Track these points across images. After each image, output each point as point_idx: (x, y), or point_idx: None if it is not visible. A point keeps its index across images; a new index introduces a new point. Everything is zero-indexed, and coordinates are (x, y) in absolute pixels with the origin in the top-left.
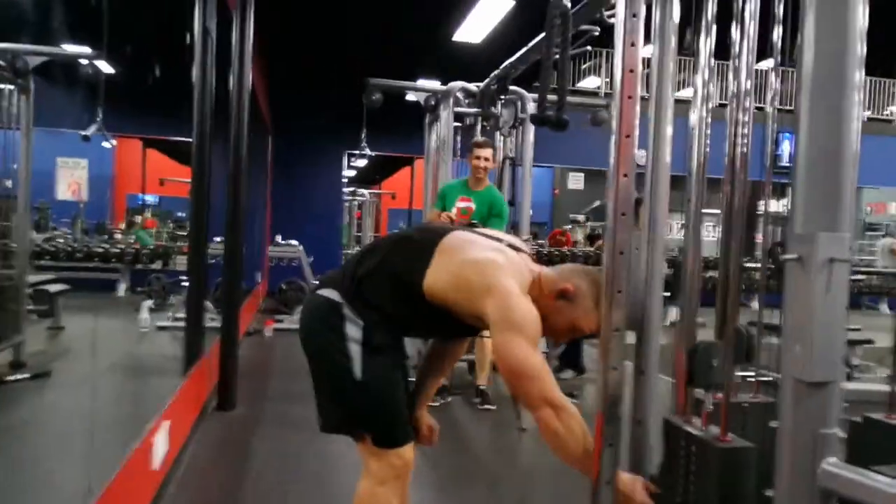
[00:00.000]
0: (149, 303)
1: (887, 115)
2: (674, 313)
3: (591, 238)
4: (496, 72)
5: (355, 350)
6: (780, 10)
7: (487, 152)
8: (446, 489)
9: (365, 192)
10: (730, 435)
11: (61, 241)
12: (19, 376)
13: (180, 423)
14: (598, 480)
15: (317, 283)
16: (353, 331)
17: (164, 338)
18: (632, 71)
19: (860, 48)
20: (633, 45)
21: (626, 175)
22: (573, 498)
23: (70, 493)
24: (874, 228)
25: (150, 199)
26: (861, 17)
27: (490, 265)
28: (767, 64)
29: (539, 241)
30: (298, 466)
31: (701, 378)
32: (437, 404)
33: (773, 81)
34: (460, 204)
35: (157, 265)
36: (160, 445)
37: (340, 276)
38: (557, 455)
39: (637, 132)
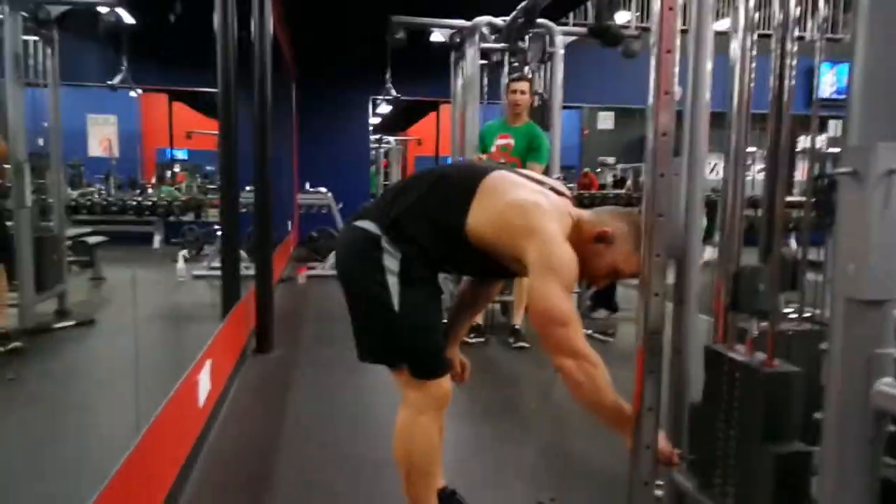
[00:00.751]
0: (184, 253)
1: None
2: (708, 252)
3: (619, 182)
4: (523, 3)
5: (393, 282)
6: None
7: (524, 86)
8: (481, 422)
9: (391, 138)
10: (776, 360)
11: (96, 196)
12: (65, 324)
13: (222, 363)
14: (640, 408)
15: (353, 216)
16: (391, 262)
17: (200, 286)
18: None
19: None
20: None
21: (667, 93)
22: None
23: (119, 430)
24: None
25: (178, 153)
26: None
27: (534, 208)
28: None
29: (568, 185)
30: (335, 405)
31: (746, 302)
32: (472, 341)
33: (821, 5)
34: (499, 141)
35: (190, 217)
36: (204, 383)
37: (376, 209)
38: (580, 404)
39: (678, 43)
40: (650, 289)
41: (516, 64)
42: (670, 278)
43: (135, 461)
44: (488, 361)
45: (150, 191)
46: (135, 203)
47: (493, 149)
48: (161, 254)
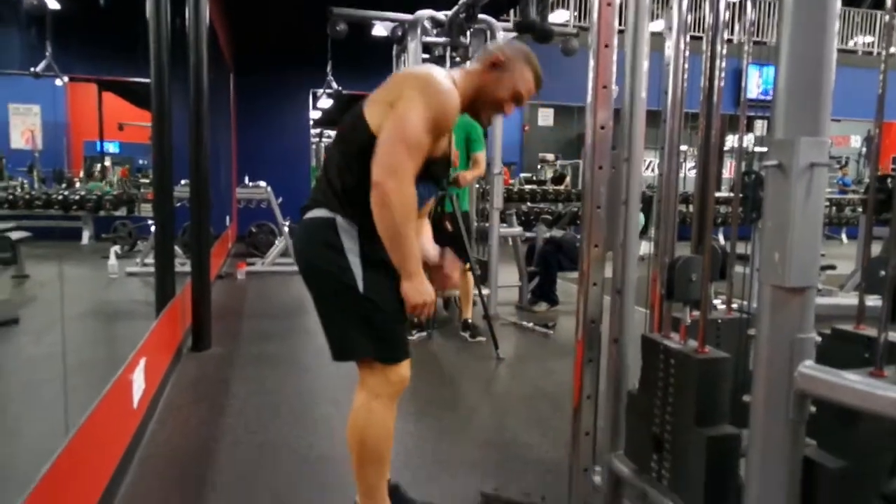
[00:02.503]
0: (116, 249)
1: (851, 45)
2: (644, 247)
3: (557, 179)
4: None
5: (355, 262)
6: None
7: None
8: (423, 418)
9: (332, 133)
10: (707, 347)
11: (18, 190)
12: None
13: (156, 362)
14: (580, 396)
15: (301, 211)
16: (350, 242)
17: (134, 283)
18: None
19: None
20: None
21: (605, 87)
22: (552, 420)
23: (47, 433)
24: (835, 160)
25: (109, 146)
26: None
27: (414, 70)
28: None
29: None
30: (276, 401)
31: (680, 291)
32: (414, 337)
33: (749, 10)
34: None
35: (122, 212)
36: (138, 383)
37: (320, 195)
38: (382, 227)
39: (616, 41)
40: (588, 279)
41: (458, 59)
42: (608, 271)
43: (63, 465)
44: (431, 357)
45: (77, 184)
46: (61, 197)
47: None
48: (90, 250)
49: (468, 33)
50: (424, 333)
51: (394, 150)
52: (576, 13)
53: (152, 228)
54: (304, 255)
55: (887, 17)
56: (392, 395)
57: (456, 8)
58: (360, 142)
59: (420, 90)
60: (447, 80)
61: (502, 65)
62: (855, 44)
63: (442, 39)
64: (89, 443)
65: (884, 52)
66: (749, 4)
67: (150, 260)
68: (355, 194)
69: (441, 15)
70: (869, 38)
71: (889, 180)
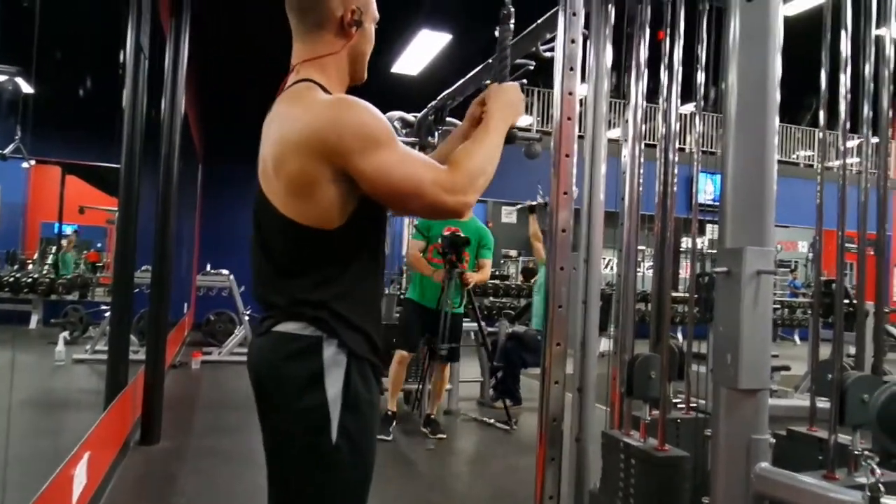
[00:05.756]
0: (65, 334)
1: (794, 158)
2: (603, 344)
3: (527, 272)
4: (433, 103)
5: (334, 411)
6: (703, 57)
7: None
8: None
9: None
10: (667, 445)
11: None
12: None
13: (101, 456)
14: (542, 496)
15: (262, 319)
16: (334, 378)
17: (81, 371)
18: (571, 94)
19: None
20: (571, 69)
21: (566, 193)
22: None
23: None
24: (785, 265)
25: (67, 228)
26: (778, 61)
27: (283, 121)
28: (689, 108)
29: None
30: (227, 500)
31: (640, 388)
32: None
33: (698, 124)
34: (447, 233)
35: (75, 296)
36: (79, 478)
37: (284, 299)
38: (483, 167)
39: (575, 154)
40: (550, 377)
41: None
42: (570, 368)
43: None
44: (391, 454)
45: (30, 266)
46: (11, 279)
47: (440, 240)
48: (38, 335)
49: (436, 134)
50: (387, 437)
51: (422, 201)
52: (538, 118)
53: (106, 314)
54: (272, 405)
55: (821, 134)
56: None
57: (425, 111)
58: (280, 231)
59: (363, 143)
60: (331, 84)
61: (357, 13)
62: (797, 157)
63: (411, 139)
64: None
65: (819, 166)
66: (698, 118)
67: (101, 347)
68: (332, 297)
69: (410, 116)
70: (809, 152)
71: (833, 285)
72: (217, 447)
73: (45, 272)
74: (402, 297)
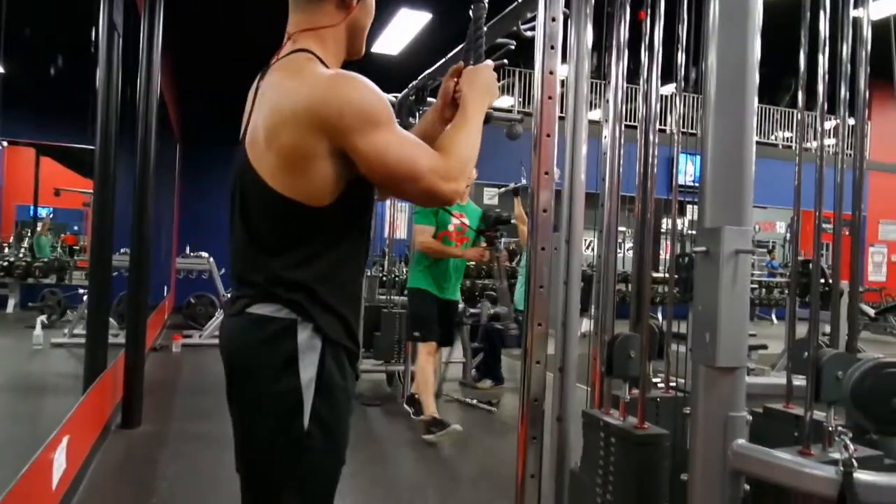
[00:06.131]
0: (43, 318)
1: (773, 139)
2: (585, 324)
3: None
4: (414, 83)
5: (308, 396)
6: (683, 38)
7: None
8: (369, 499)
9: None
10: (646, 423)
11: None
12: None
13: (81, 440)
14: (523, 475)
15: (234, 298)
16: (309, 362)
17: (59, 355)
18: (552, 73)
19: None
20: (552, 47)
21: (547, 173)
22: (496, 501)
23: None
24: (763, 245)
25: (42, 211)
26: (757, 43)
27: (322, 97)
28: (669, 89)
29: None
30: (209, 484)
31: (620, 368)
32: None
33: (678, 105)
34: (455, 220)
35: (52, 279)
36: (59, 463)
37: (259, 277)
38: (468, 154)
39: (556, 133)
40: (532, 357)
41: None
42: (551, 348)
43: None
44: (373, 435)
45: (6, 250)
46: None
47: (450, 227)
48: (15, 318)
49: (417, 115)
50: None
51: (418, 187)
52: (520, 99)
53: (84, 298)
54: (244, 393)
55: (799, 115)
56: None
57: (406, 91)
58: (266, 205)
59: (364, 122)
60: (331, 61)
61: None
62: (776, 138)
63: None
64: None
65: (797, 148)
66: (678, 99)
67: (80, 331)
68: (313, 278)
69: (391, 97)
70: (788, 134)
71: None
72: (198, 431)
73: (21, 255)
74: (397, 285)
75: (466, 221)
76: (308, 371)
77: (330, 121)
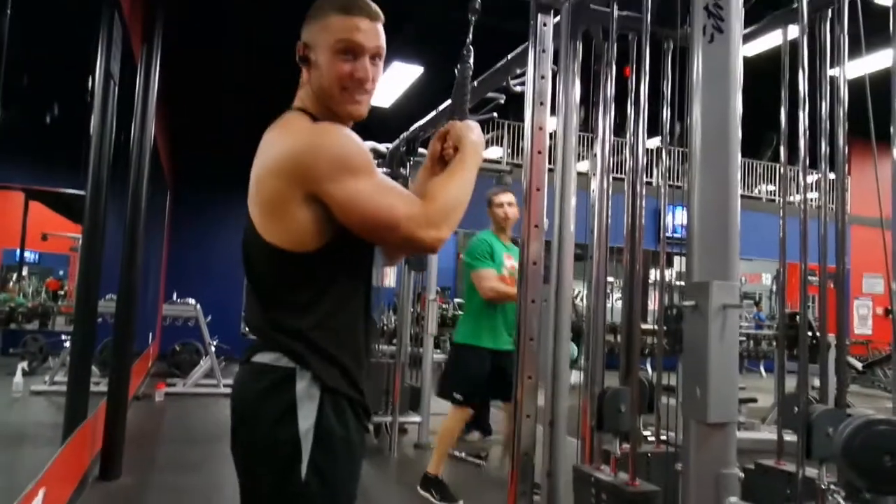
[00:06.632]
0: (23, 365)
1: (756, 193)
2: (574, 376)
3: None
4: (405, 134)
5: (306, 445)
6: (668, 94)
7: (512, 197)
8: None
9: None
10: (637, 480)
11: None
12: None
13: (57, 493)
14: None
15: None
16: (307, 410)
17: (39, 403)
18: (541, 128)
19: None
20: (541, 103)
21: (536, 226)
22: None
23: None
24: (749, 297)
25: (28, 255)
26: (739, 99)
27: (298, 152)
28: (655, 142)
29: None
30: None
31: (611, 422)
32: None
33: (664, 158)
34: (507, 262)
35: (35, 325)
36: None
37: (265, 327)
38: (458, 200)
39: (546, 181)
40: (522, 410)
41: None
42: (540, 399)
43: None
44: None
45: None
46: None
47: (504, 271)
48: None
49: (408, 165)
50: None
51: (398, 234)
52: (509, 150)
53: (66, 344)
54: (242, 437)
55: (782, 170)
56: None
57: (396, 142)
58: (260, 254)
59: (338, 169)
60: (317, 129)
61: (306, 49)
62: (759, 191)
63: (383, 170)
64: None
65: (781, 201)
66: (664, 152)
67: (60, 378)
68: (309, 326)
69: (383, 147)
70: (771, 187)
71: (797, 317)
72: (180, 483)
73: (4, 301)
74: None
75: (515, 264)
76: (307, 420)
77: (302, 168)
